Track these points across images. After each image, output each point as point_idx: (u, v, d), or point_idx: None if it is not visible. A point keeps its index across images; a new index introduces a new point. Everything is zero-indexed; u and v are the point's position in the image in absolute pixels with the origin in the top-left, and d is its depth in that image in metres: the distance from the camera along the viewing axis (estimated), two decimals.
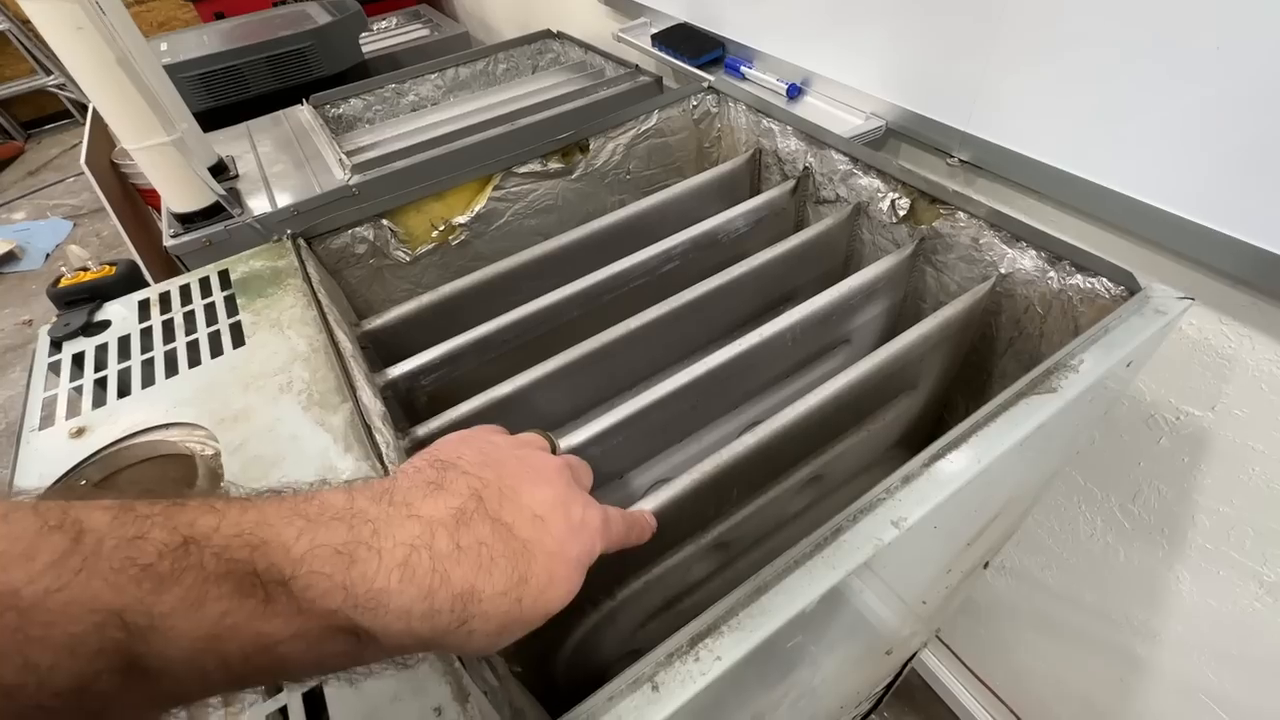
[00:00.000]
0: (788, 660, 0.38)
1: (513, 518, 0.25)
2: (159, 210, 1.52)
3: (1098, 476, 0.72)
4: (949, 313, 0.52)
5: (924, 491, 0.36)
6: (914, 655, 1.00)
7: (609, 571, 0.46)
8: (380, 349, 0.60)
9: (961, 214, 0.56)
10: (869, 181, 0.64)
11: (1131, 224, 0.55)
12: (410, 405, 0.56)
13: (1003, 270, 0.55)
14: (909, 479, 0.36)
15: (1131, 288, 0.46)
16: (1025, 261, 0.53)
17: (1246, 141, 0.46)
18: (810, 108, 0.79)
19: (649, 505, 0.40)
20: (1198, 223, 0.50)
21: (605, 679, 0.56)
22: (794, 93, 0.80)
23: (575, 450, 0.47)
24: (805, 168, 0.69)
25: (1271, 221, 0.46)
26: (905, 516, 0.35)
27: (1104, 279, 0.48)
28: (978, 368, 0.63)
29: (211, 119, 1.04)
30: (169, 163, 0.75)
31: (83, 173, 1.31)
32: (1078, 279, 0.50)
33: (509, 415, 0.52)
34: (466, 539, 0.23)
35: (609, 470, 0.56)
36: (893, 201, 0.61)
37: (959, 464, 0.37)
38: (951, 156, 0.66)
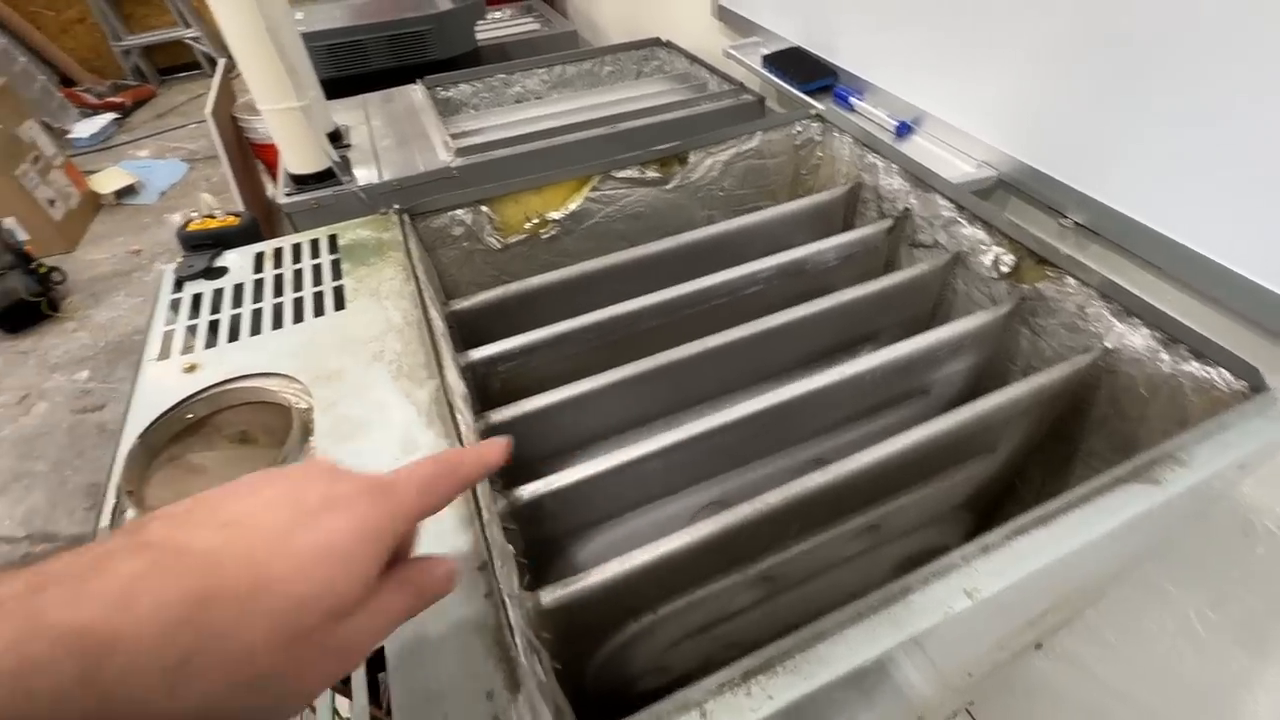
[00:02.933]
0: (831, 714, 0.37)
1: (188, 537, 0.20)
2: (268, 165, 1.61)
3: (1177, 575, 0.67)
4: (1043, 380, 0.50)
5: (1002, 565, 0.34)
6: None
7: (661, 585, 0.46)
8: (462, 329, 0.62)
9: (1071, 279, 0.54)
10: (972, 232, 0.62)
11: (1260, 315, 0.51)
12: (484, 390, 0.58)
13: (1108, 344, 0.52)
14: (988, 549, 0.35)
15: (1256, 385, 0.43)
16: (1135, 339, 0.50)
17: None
18: (918, 148, 0.77)
19: (713, 528, 0.40)
20: None
21: (631, 689, 0.56)
22: (903, 131, 0.78)
23: (637, 461, 0.47)
24: (906, 209, 0.68)
25: None
26: (979, 588, 0.33)
27: (1224, 370, 0.45)
28: (1062, 440, 0.59)
29: (328, 88, 1.10)
30: (295, 126, 0.80)
31: (205, 121, 1.41)
32: (1193, 366, 0.47)
33: (579, 414, 0.53)
34: (97, 585, 0.18)
35: (666, 485, 0.56)
36: (997, 257, 0.59)
37: (1043, 542, 0.35)
38: (1065, 217, 0.63)
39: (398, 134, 1.02)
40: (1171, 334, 0.48)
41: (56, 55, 3.15)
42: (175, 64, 3.59)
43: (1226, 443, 0.40)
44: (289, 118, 0.79)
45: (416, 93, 1.14)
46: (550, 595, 0.38)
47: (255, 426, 0.45)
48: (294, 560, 0.20)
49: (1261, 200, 0.49)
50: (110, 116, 3.06)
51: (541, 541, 0.50)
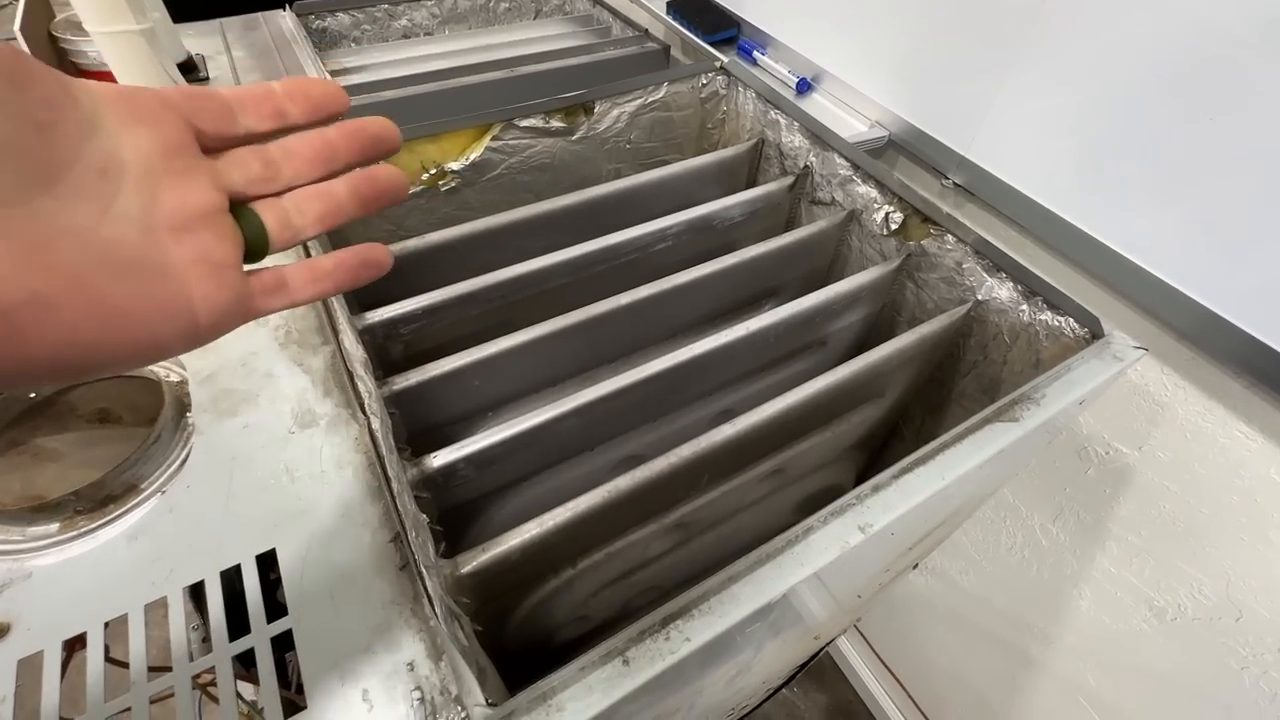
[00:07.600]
0: (742, 643, 0.40)
1: None
2: None
3: (1026, 496, 0.77)
4: (926, 330, 0.55)
5: (891, 501, 0.38)
6: (833, 640, 1.07)
7: (579, 541, 0.47)
8: (357, 291, 0.57)
9: (950, 237, 0.58)
10: (866, 190, 0.65)
11: (1102, 270, 0.58)
12: (385, 354, 0.55)
13: (980, 297, 0.57)
14: (878, 488, 0.38)
15: (1096, 332, 0.49)
16: (1002, 292, 0.56)
17: (1217, 210, 0.50)
18: (817, 105, 0.80)
19: (628, 483, 0.41)
20: (1161, 279, 0.54)
21: (552, 640, 0.57)
22: (803, 88, 0.80)
23: (551, 421, 0.47)
24: (806, 166, 0.70)
25: (1225, 286, 0.50)
26: (871, 523, 0.37)
27: (1071, 319, 0.51)
28: (940, 384, 0.66)
29: (176, 9, 0.95)
30: (135, 53, 0.68)
31: (14, 39, 1.18)
32: (1047, 315, 0.53)
33: (489, 376, 0.52)
34: None
35: (581, 443, 0.56)
36: (887, 214, 0.62)
37: (925, 479, 0.39)
38: (946, 178, 0.68)
39: (267, 68, 0.91)
40: (1031, 287, 0.54)
41: None
42: None
43: (1071, 382, 0.46)
44: (127, 43, 0.67)
45: (286, 20, 1.02)
46: (469, 562, 0.37)
47: (118, 404, 0.40)
48: None
49: (1104, 166, 0.55)
50: None
51: (456, 507, 0.49)
